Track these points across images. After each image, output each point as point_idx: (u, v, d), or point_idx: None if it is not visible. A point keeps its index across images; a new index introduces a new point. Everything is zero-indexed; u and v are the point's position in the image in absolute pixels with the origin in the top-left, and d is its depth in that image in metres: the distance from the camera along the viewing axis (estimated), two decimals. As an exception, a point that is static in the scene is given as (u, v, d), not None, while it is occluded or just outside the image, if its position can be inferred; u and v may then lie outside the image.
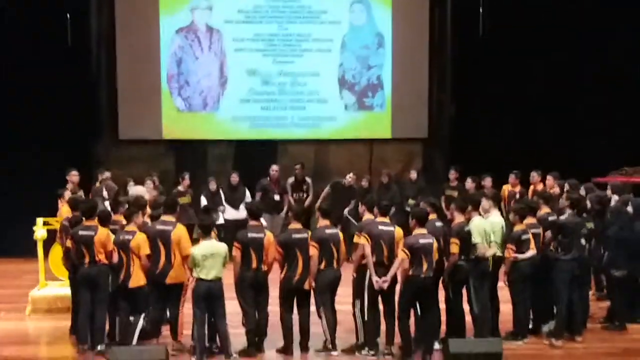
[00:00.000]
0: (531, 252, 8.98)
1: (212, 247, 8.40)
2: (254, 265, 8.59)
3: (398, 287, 8.62)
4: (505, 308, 9.25)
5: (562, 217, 9.30)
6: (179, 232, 8.73)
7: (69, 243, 9.00)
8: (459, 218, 8.93)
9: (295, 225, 8.80)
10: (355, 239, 8.72)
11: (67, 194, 11.03)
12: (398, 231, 8.68)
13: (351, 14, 15.73)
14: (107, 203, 11.27)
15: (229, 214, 13.26)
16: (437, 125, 16.03)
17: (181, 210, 10.58)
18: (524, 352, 8.89)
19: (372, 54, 15.82)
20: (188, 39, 15.38)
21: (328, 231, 8.76)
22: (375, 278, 8.45)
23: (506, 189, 13.04)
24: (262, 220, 9.15)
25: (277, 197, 13.75)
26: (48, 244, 10.92)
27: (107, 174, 13.14)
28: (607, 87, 14.67)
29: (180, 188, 13.27)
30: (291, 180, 14.02)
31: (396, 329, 8.61)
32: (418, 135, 15.96)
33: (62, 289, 10.46)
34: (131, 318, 8.68)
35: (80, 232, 8.77)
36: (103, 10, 15.13)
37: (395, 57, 15.73)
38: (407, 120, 15.80)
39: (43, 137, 13.76)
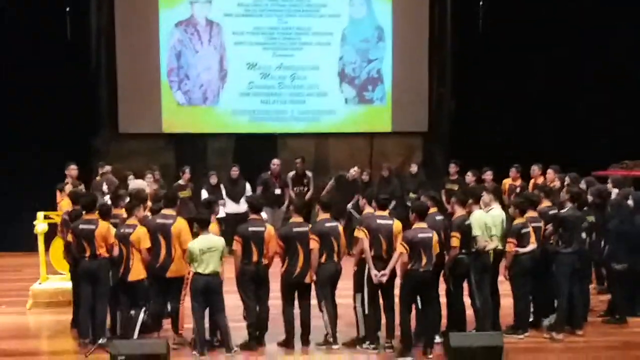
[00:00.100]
0: (532, 246, 9.00)
1: (209, 241, 8.39)
2: (255, 259, 8.59)
3: (398, 281, 8.63)
4: (506, 302, 9.26)
5: (563, 211, 9.30)
6: (180, 225, 8.74)
7: (69, 237, 9.00)
8: (459, 211, 8.94)
9: (296, 218, 8.81)
10: (356, 233, 8.73)
11: (68, 188, 11.04)
12: (397, 225, 8.68)
13: (351, 7, 15.68)
14: (107, 197, 11.26)
15: (229, 207, 13.26)
16: (438, 119, 16.01)
17: (182, 204, 10.61)
18: (524, 345, 8.91)
19: (372, 48, 15.79)
20: (188, 32, 15.34)
21: (328, 224, 8.77)
22: (374, 272, 8.46)
23: (507, 182, 13.05)
24: (263, 213, 9.15)
25: (278, 191, 13.75)
26: (49, 237, 10.93)
27: (108, 168, 13.13)
28: (607, 83, 14.66)
29: (181, 182, 13.28)
30: (292, 174, 14.01)
31: (396, 322, 8.63)
32: (418, 129, 15.94)
33: (63, 282, 10.49)
34: (132, 312, 8.68)
35: (81, 226, 8.77)
36: (102, 4, 15.08)
37: (395, 51, 15.70)
38: (408, 114, 15.78)
39: (43, 131, 13.74)
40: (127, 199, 9.48)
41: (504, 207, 9.63)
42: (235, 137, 15.62)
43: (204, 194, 13.08)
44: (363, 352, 8.68)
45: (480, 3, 15.01)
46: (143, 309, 8.67)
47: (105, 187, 12.23)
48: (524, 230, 9.01)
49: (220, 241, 8.47)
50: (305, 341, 8.76)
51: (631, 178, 11.51)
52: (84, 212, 8.93)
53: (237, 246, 8.61)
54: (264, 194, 13.29)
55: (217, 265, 8.35)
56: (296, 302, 8.78)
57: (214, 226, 8.93)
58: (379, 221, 8.62)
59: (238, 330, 8.81)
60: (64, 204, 10.47)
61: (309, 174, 14.15)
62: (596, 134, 14.54)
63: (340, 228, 8.94)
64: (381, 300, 8.69)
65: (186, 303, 8.78)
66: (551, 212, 9.49)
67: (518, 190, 12.47)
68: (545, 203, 9.63)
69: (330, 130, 15.82)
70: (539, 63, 14.86)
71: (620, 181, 10.55)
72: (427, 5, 15.66)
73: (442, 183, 13.65)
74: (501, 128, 14.83)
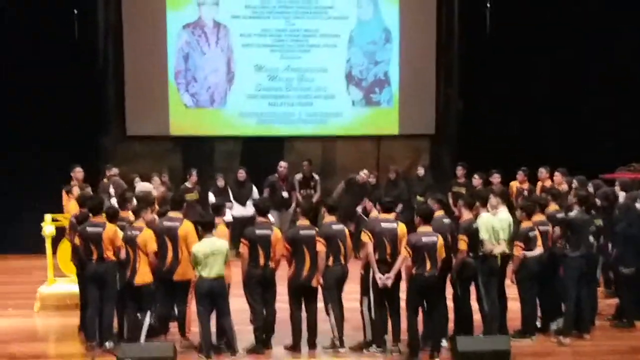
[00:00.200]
0: (539, 249, 8.97)
1: (213, 244, 8.37)
2: (262, 262, 8.59)
3: (404, 285, 8.62)
4: (513, 306, 9.24)
5: (571, 214, 9.27)
6: (186, 228, 8.75)
7: (76, 240, 9.01)
8: (466, 214, 8.92)
9: (302, 221, 8.80)
10: (362, 237, 8.72)
11: (75, 190, 11.04)
12: (401, 227, 8.66)
13: (358, 9, 15.67)
14: (113, 200, 11.27)
15: (236, 210, 13.24)
16: (445, 122, 15.99)
17: (188, 207, 10.59)
18: (532, 349, 8.89)
19: (380, 50, 15.78)
20: (195, 34, 15.36)
21: (335, 227, 8.77)
22: (378, 275, 8.46)
23: (514, 185, 13.04)
24: (270, 216, 9.14)
25: (285, 194, 13.74)
26: (57, 240, 10.94)
27: (115, 170, 13.14)
28: (613, 85, 14.61)
29: (188, 184, 13.28)
30: (299, 176, 14.01)
31: (403, 326, 8.61)
32: (425, 131, 15.92)
33: (70, 285, 10.47)
34: (139, 315, 8.69)
35: (88, 229, 8.77)
36: (110, 5, 15.11)
37: (402, 53, 15.69)
38: (415, 116, 15.76)
39: (50, 133, 13.76)
40: (134, 202, 9.47)
41: (512, 210, 9.59)
42: (243, 140, 15.62)
43: (211, 197, 13.09)
44: (370, 355, 8.65)
45: (488, 5, 14.98)
46: (149, 312, 8.67)
47: (112, 190, 12.24)
48: (531, 234, 8.99)
49: (224, 244, 8.44)
50: (312, 345, 8.75)
51: (639, 181, 11.46)
52: (90, 215, 8.92)
53: (244, 249, 8.61)
54: (271, 196, 13.29)
55: (221, 269, 8.33)
56: (303, 306, 8.77)
57: (223, 229, 8.92)
58: (383, 224, 8.62)
59: (245, 333, 8.82)
60: (72, 206, 10.49)
61: (316, 176, 14.15)
62: (604, 136, 14.49)
63: (347, 231, 8.92)
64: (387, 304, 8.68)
65: (193, 306, 8.77)
66: (559, 215, 9.46)
67: (525, 193, 12.44)
68: (553, 206, 9.59)
69: (337, 132, 15.81)
70: (546, 65, 14.81)
71: (628, 184, 10.50)
72: (435, 8, 15.64)
73: (449, 186, 13.65)
74: (508, 130, 14.78)
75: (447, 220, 8.95)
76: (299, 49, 15.56)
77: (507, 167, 13.05)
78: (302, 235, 8.64)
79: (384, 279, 8.42)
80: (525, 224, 9.07)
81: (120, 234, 8.83)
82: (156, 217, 9.29)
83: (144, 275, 8.64)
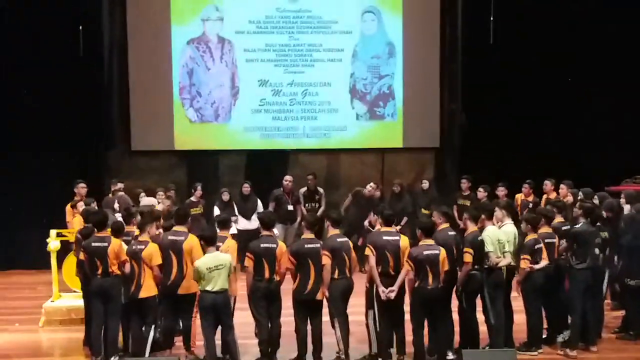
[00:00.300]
0: (544, 262, 8.95)
1: (216, 259, 8.34)
2: (267, 275, 8.58)
3: (408, 297, 8.61)
4: (519, 318, 9.21)
5: (577, 226, 9.24)
6: (191, 242, 8.75)
7: (81, 255, 9.01)
8: (471, 227, 8.91)
9: (307, 235, 8.79)
10: (365, 250, 8.72)
11: (80, 205, 11.05)
12: (403, 240, 8.67)
13: (362, 23, 15.73)
14: (118, 215, 11.28)
15: (240, 224, 13.24)
16: (449, 135, 16.00)
17: (193, 221, 10.61)
18: (538, 362, 8.87)
19: (383, 64, 15.82)
20: (199, 49, 15.42)
21: (339, 240, 8.77)
22: (381, 288, 8.44)
23: (519, 198, 13.01)
24: (275, 230, 9.14)
25: (290, 208, 13.74)
26: (62, 255, 10.95)
27: (120, 185, 13.15)
28: (620, 97, 14.61)
29: (193, 199, 13.27)
30: (303, 190, 14.00)
31: (408, 339, 8.58)
32: (430, 144, 15.94)
33: (75, 300, 10.48)
34: (144, 329, 8.69)
35: (93, 244, 8.77)
36: (115, 21, 15.18)
37: (406, 67, 15.72)
38: (419, 129, 15.79)
39: (56, 148, 13.82)
40: (139, 216, 9.48)
41: (517, 223, 9.57)
42: (247, 154, 15.65)
43: (216, 211, 13.10)
44: (375, 369, 8.65)
45: (491, 18, 15.00)
46: (153, 327, 8.66)
47: (116, 205, 12.25)
48: (536, 246, 8.97)
49: (227, 258, 8.41)
50: (317, 358, 8.71)
51: (645, 193, 11.44)
52: (95, 230, 8.93)
53: (248, 262, 8.60)
54: (276, 210, 13.29)
55: (224, 283, 8.30)
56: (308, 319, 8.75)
57: (232, 243, 8.90)
58: (385, 237, 8.62)
59: (249, 347, 8.82)
60: (76, 221, 10.51)
61: (321, 190, 14.13)
62: (609, 149, 14.46)
63: (351, 243, 8.91)
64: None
65: (198, 320, 8.76)
66: (564, 227, 9.44)
67: (531, 205, 12.41)
68: (558, 219, 9.58)
69: (341, 146, 15.83)
70: (550, 78, 14.81)
71: (633, 196, 10.47)
72: (438, 21, 15.69)
73: (454, 199, 13.65)
74: (513, 143, 14.78)
75: (452, 233, 8.94)
76: (302, 63, 15.61)
77: (511, 180, 13.04)
78: (307, 249, 8.63)
79: (387, 292, 8.41)
80: (531, 237, 9.05)
81: (125, 248, 8.83)
82: (161, 231, 9.32)
83: (148, 289, 8.65)
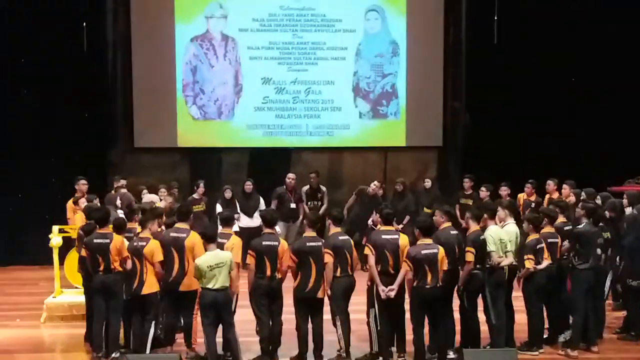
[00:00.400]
0: (546, 262, 8.94)
1: (216, 256, 8.33)
2: (268, 273, 8.57)
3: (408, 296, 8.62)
4: (520, 318, 9.20)
5: (579, 227, 9.23)
6: (193, 239, 8.75)
7: (83, 251, 9.02)
8: (474, 227, 8.90)
9: (309, 233, 8.78)
10: (365, 249, 8.73)
11: (82, 202, 11.07)
12: (403, 239, 8.66)
13: (366, 22, 15.73)
14: (120, 211, 11.29)
15: (243, 221, 13.26)
16: (452, 134, 16.00)
17: (196, 218, 10.62)
18: (539, 362, 8.86)
19: (387, 62, 15.81)
20: (203, 47, 15.43)
21: (341, 238, 8.76)
22: (381, 287, 8.44)
23: (521, 197, 13.01)
24: (277, 228, 9.13)
25: (293, 206, 13.74)
26: (64, 251, 10.96)
27: (123, 182, 13.17)
28: (622, 97, 14.61)
29: (195, 196, 13.29)
30: (306, 188, 14.00)
31: (409, 337, 8.58)
32: (432, 143, 15.94)
33: (77, 296, 10.49)
34: (145, 326, 8.70)
35: (95, 241, 8.77)
36: (119, 18, 15.20)
37: (409, 65, 15.72)
38: (422, 128, 15.79)
39: (59, 145, 13.86)
40: (141, 213, 9.49)
41: (519, 223, 9.57)
42: (250, 152, 15.66)
43: (219, 208, 13.11)
44: (376, 367, 8.64)
45: (495, 18, 14.99)
46: (153, 323, 8.67)
47: (118, 202, 12.26)
48: (538, 247, 8.96)
49: (228, 256, 8.39)
50: (318, 356, 8.70)
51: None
52: (97, 226, 8.94)
53: (250, 260, 8.60)
54: (278, 208, 13.31)
55: (225, 280, 8.30)
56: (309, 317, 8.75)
57: (237, 240, 8.89)
58: (384, 236, 8.62)
59: (251, 344, 8.82)
60: (77, 218, 10.52)
61: (323, 188, 14.14)
62: (612, 149, 14.45)
63: (352, 242, 8.90)
64: (391, 316, 8.67)
65: (199, 317, 8.76)
66: (566, 228, 9.44)
67: (533, 205, 12.41)
68: (561, 219, 9.56)
69: (344, 144, 15.83)
70: (553, 77, 14.81)
71: (636, 197, 10.46)
72: (442, 20, 15.68)
73: (456, 198, 13.65)
74: (516, 143, 14.77)
75: (454, 232, 8.92)
76: (306, 61, 15.61)
77: (514, 180, 13.03)
78: (309, 247, 8.62)
79: (387, 291, 8.41)
80: (532, 237, 9.04)
81: (127, 244, 8.83)
82: (163, 228, 9.32)
83: (150, 286, 8.66)
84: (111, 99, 15.21)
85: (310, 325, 8.70)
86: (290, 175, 13.95)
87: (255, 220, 12.85)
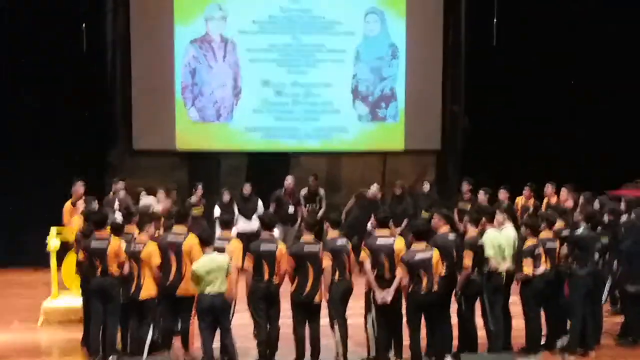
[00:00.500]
0: (543, 267, 8.93)
1: (213, 261, 8.30)
2: (266, 276, 8.55)
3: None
4: (518, 323, 9.19)
5: (578, 231, 9.22)
6: (190, 242, 8.71)
7: (80, 255, 9.01)
8: (472, 231, 8.89)
9: (307, 237, 8.77)
10: (361, 254, 8.71)
11: (80, 204, 11.05)
12: (398, 242, 8.63)
13: (365, 24, 15.72)
14: (117, 214, 11.27)
15: (241, 225, 13.24)
16: (451, 137, 16.00)
17: (194, 221, 10.60)
18: (536, 367, 8.85)
19: (386, 65, 15.81)
20: (202, 49, 15.42)
21: (339, 242, 8.74)
22: (378, 292, 8.42)
23: (519, 201, 13.00)
24: (275, 231, 9.12)
25: (291, 209, 13.73)
26: (61, 254, 10.94)
27: (121, 185, 13.15)
28: (622, 100, 14.60)
29: (194, 199, 13.28)
30: (304, 191, 13.98)
31: (406, 342, 8.57)
32: (431, 147, 15.94)
33: (74, 299, 10.45)
34: (142, 330, 8.69)
35: (93, 244, 8.76)
36: (118, 20, 15.20)
37: (408, 69, 15.71)
38: (421, 131, 15.77)
39: (58, 147, 13.82)
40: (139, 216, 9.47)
41: (517, 227, 9.56)
42: (249, 155, 15.65)
43: (217, 211, 13.13)
44: (373, 372, 8.63)
45: (494, 21, 14.99)
46: (151, 327, 8.65)
47: (117, 204, 12.25)
48: (537, 251, 8.94)
49: (224, 259, 8.36)
50: (316, 361, 8.72)
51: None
52: (95, 230, 8.92)
53: (248, 264, 8.58)
54: (277, 211, 13.28)
55: (222, 285, 8.28)
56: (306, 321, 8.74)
57: (237, 244, 8.87)
58: (379, 241, 8.60)
59: (248, 349, 8.80)
60: (75, 221, 10.50)
61: (322, 191, 14.11)
62: (611, 152, 14.44)
63: (350, 245, 8.89)
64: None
65: (196, 321, 8.73)
66: (564, 232, 9.43)
67: (531, 209, 12.39)
68: (559, 223, 9.55)
69: (343, 147, 15.82)
70: (553, 81, 14.81)
71: (634, 201, 10.45)
72: (441, 23, 15.69)
73: (455, 201, 13.63)
74: (514, 146, 14.77)
75: (452, 236, 8.90)
76: (305, 64, 15.61)
77: (513, 183, 13.03)
78: (306, 251, 8.60)
79: (384, 295, 8.39)
80: (530, 241, 9.02)
81: (125, 247, 8.82)
82: (162, 231, 9.31)
83: (148, 290, 8.64)
84: (110, 101, 15.21)
85: (307, 330, 8.68)
86: (289, 178, 13.93)
87: (254, 224, 12.83)
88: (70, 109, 14.00)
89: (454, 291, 8.81)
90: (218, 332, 8.49)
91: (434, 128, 15.83)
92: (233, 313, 8.72)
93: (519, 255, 8.97)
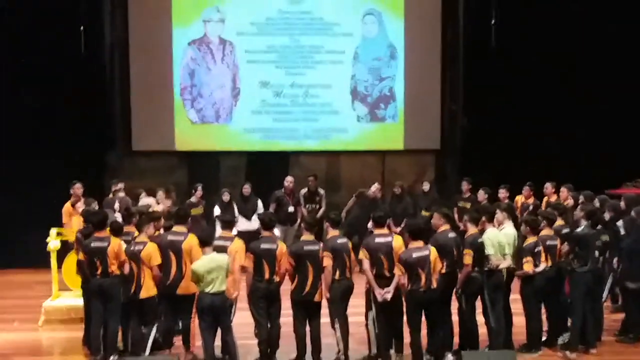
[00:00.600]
0: (543, 264, 8.94)
1: (213, 260, 8.29)
2: (267, 276, 8.57)
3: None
4: (518, 320, 9.20)
5: (579, 229, 9.23)
6: (190, 242, 8.73)
7: (81, 255, 9.02)
8: (472, 229, 8.90)
9: (307, 236, 8.78)
10: (359, 254, 8.72)
11: (79, 205, 11.06)
12: (396, 240, 8.65)
13: (363, 25, 15.74)
14: (117, 215, 11.28)
15: (241, 225, 13.22)
16: (450, 137, 16.02)
17: (193, 222, 10.59)
18: (537, 364, 8.86)
19: (385, 66, 15.83)
20: (201, 50, 15.43)
21: (339, 241, 8.76)
22: (377, 291, 8.43)
23: (519, 200, 13.02)
24: (275, 231, 9.12)
25: (291, 209, 13.73)
26: (61, 254, 10.94)
27: (120, 186, 13.14)
28: (621, 99, 14.62)
29: (193, 199, 13.27)
30: (304, 191, 13.98)
31: (406, 340, 8.58)
32: (430, 146, 15.96)
33: (75, 299, 10.47)
34: (143, 329, 8.68)
35: (93, 244, 8.77)
36: (116, 21, 15.21)
37: (407, 69, 15.74)
38: (420, 131, 15.79)
39: (57, 148, 13.82)
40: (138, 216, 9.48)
41: (517, 225, 9.57)
42: (248, 155, 15.66)
43: (217, 211, 13.14)
44: (374, 370, 8.64)
45: (493, 21, 15.01)
46: (155, 325, 8.66)
47: (116, 205, 12.25)
48: (536, 249, 8.96)
49: (224, 259, 8.35)
50: (317, 359, 8.71)
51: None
52: (95, 230, 8.92)
53: (248, 263, 8.59)
54: (277, 211, 13.28)
55: (222, 284, 8.27)
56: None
57: (239, 244, 8.87)
58: (377, 240, 8.61)
59: (249, 347, 8.81)
60: (75, 221, 10.50)
61: (322, 191, 14.11)
62: (610, 152, 14.45)
63: (350, 244, 8.89)
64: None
65: (197, 320, 8.73)
66: (564, 230, 9.44)
67: (531, 208, 12.41)
68: (559, 221, 9.57)
69: (342, 148, 15.84)
70: (551, 81, 14.83)
71: (633, 200, 10.46)
72: (440, 24, 15.71)
73: (454, 201, 13.65)
74: (513, 146, 14.78)
75: (452, 235, 8.92)
76: (304, 65, 15.62)
77: (512, 182, 13.05)
78: (306, 251, 8.62)
79: (383, 293, 8.40)
80: (530, 239, 9.04)
81: (125, 247, 8.82)
82: (162, 231, 9.31)
83: (148, 289, 8.65)
84: (109, 102, 15.20)
85: (308, 328, 8.69)
86: (289, 178, 13.93)
87: (254, 224, 12.83)
88: (70, 109, 14.00)
89: (454, 289, 8.82)
90: (219, 332, 8.50)
91: (433, 128, 15.85)
92: (234, 312, 8.73)
93: (519, 253, 8.99)
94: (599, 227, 9.44)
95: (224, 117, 15.57)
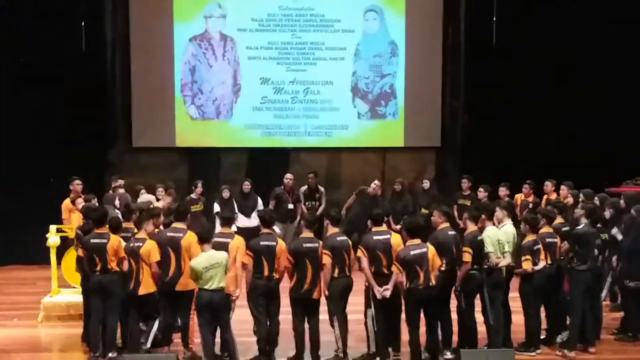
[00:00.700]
0: (542, 263, 8.94)
1: (212, 257, 8.29)
2: (266, 273, 8.57)
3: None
4: (517, 319, 9.19)
5: (579, 228, 9.21)
6: (190, 238, 8.73)
7: (80, 251, 9.02)
8: (471, 227, 8.89)
9: (306, 234, 8.78)
10: (357, 252, 8.72)
11: (79, 202, 11.06)
12: (395, 238, 8.65)
13: (365, 22, 15.73)
14: (117, 212, 11.28)
15: (240, 221, 13.24)
16: (450, 134, 16.00)
17: (193, 218, 10.59)
18: (536, 363, 8.85)
19: (385, 63, 15.81)
20: (202, 47, 15.42)
21: (339, 239, 8.75)
22: (376, 288, 8.43)
23: (519, 198, 13.01)
24: (275, 228, 9.12)
25: (290, 206, 13.73)
26: (61, 251, 10.95)
27: (121, 182, 13.14)
28: (621, 98, 14.60)
29: (193, 196, 13.27)
30: (304, 188, 13.98)
31: (405, 337, 8.58)
32: (431, 144, 15.94)
33: (74, 296, 10.49)
34: (142, 325, 8.70)
35: (92, 241, 8.77)
36: (117, 18, 15.20)
37: (408, 66, 15.72)
38: (420, 129, 15.78)
39: (57, 144, 13.84)
40: (137, 213, 9.49)
41: (516, 223, 9.56)
42: (248, 152, 15.66)
43: (217, 208, 13.14)
44: (373, 367, 8.64)
45: (494, 18, 14.99)
46: (158, 320, 8.67)
47: (117, 202, 12.25)
48: (536, 247, 8.96)
49: (223, 256, 8.35)
50: (315, 357, 8.70)
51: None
52: (94, 227, 8.92)
53: (248, 260, 8.59)
54: (276, 208, 13.29)
55: (221, 281, 8.27)
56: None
57: (240, 240, 8.85)
58: (375, 237, 8.61)
59: (248, 344, 8.81)
60: (74, 218, 10.51)
61: (322, 188, 14.11)
62: (612, 149, 14.43)
63: (350, 242, 8.89)
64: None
65: (196, 317, 8.75)
66: (564, 229, 9.43)
67: (530, 206, 12.41)
68: (559, 220, 9.56)
69: (342, 145, 15.83)
70: (552, 79, 14.81)
71: (633, 198, 10.45)
72: (441, 21, 15.68)
73: (454, 198, 13.64)
74: (514, 143, 14.76)
75: (452, 233, 8.92)
76: (305, 61, 15.61)
77: (513, 180, 13.03)
78: (305, 248, 8.61)
79: (382, 291, 8.40)
80: (530, 238, 9.03)
81: (124, 244, 8.82)
82: (161, 228, 9.31)
83: (148, 286, 8.65)
84: (109, 99, 15.20)
85: (307, 326, 8.69)
86: (288, 175, 13.94)
87: (253, 220, 12.83)
88: (70, 107, 14.02)
89: (453, 287, 8.82)
90: (218, 329, 8.51)
91: (433, 125, 15.83)
92: (233, 309, 8.73)
93: (518, 251, 8.98)
94: (599, 225, 9.44)
95: (225, 113, 15.56)
